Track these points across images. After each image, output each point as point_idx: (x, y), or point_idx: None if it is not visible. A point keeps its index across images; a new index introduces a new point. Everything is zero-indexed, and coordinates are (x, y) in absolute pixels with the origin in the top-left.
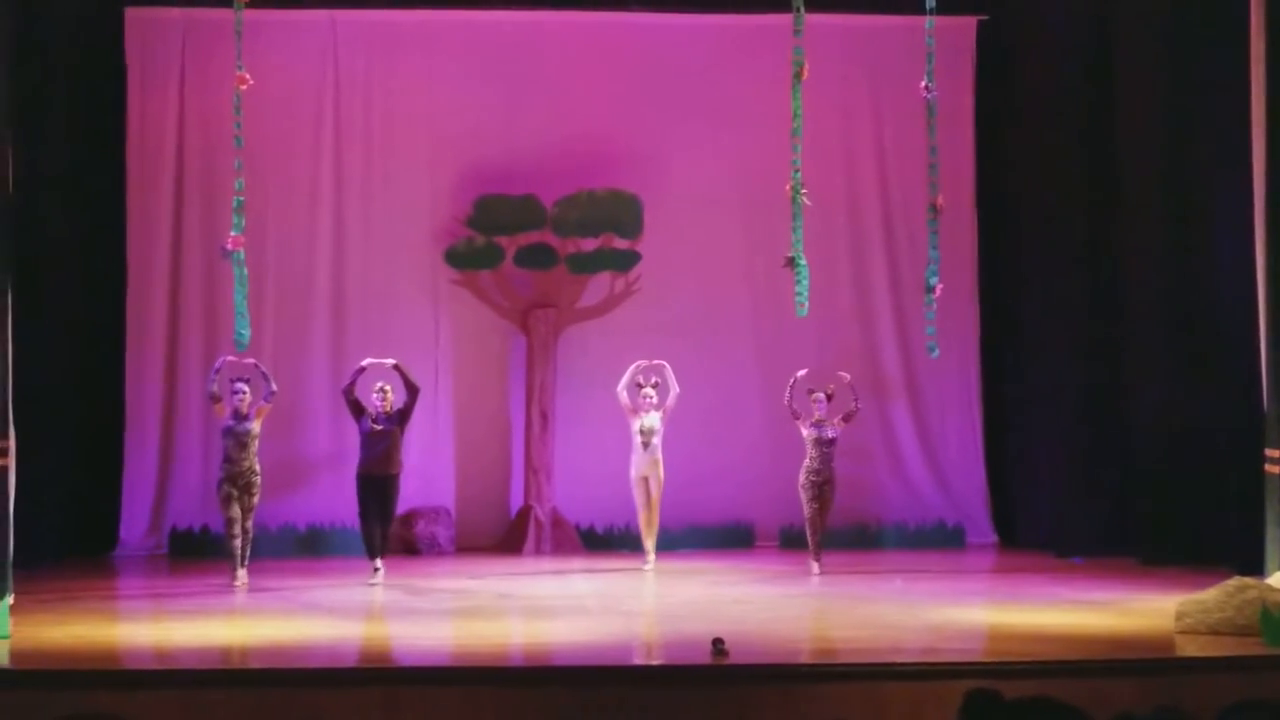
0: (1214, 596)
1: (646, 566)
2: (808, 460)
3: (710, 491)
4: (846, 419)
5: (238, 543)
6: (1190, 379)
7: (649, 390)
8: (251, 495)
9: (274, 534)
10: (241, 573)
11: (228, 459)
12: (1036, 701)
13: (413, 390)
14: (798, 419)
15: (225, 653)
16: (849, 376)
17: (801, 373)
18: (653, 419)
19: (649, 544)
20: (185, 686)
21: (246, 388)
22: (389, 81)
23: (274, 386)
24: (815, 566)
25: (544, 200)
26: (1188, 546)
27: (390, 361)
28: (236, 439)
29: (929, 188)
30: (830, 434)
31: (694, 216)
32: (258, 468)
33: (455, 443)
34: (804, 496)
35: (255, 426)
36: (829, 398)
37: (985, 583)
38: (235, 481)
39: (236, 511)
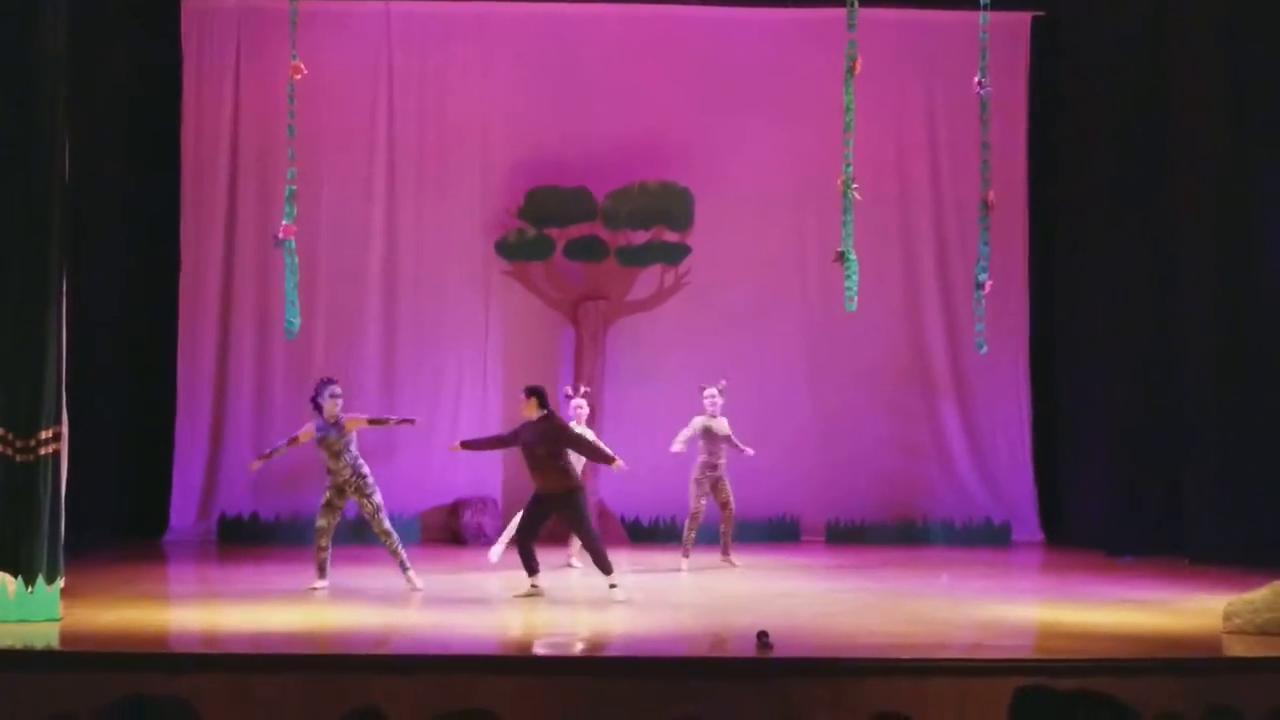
0: (1263, 596)
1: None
2: (702, 456)
3: (757, 486)
4: (737, 446)
5: (325, 555)
6: (1242, 378)
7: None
8: (366, 496)
9: None
10: (324, 582)
11: (326, 470)
12: (1085, 696)
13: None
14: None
15: (274, 637)
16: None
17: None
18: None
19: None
20: (234, 670)
21: (340, 390)
22: (442, 73)
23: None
24: (684, 564)
25: (595, 193)
26: (1237, 546)
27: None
28: (328, 448)
29: (981, 184)
30: (720, 431)
31: (745, 210)
32: (364, 470)
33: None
34: (693, 491)
35: (346, 431)
36: (721, 393)
37: (1033, 580)
38: (342, 491)
39: (325, 523)
